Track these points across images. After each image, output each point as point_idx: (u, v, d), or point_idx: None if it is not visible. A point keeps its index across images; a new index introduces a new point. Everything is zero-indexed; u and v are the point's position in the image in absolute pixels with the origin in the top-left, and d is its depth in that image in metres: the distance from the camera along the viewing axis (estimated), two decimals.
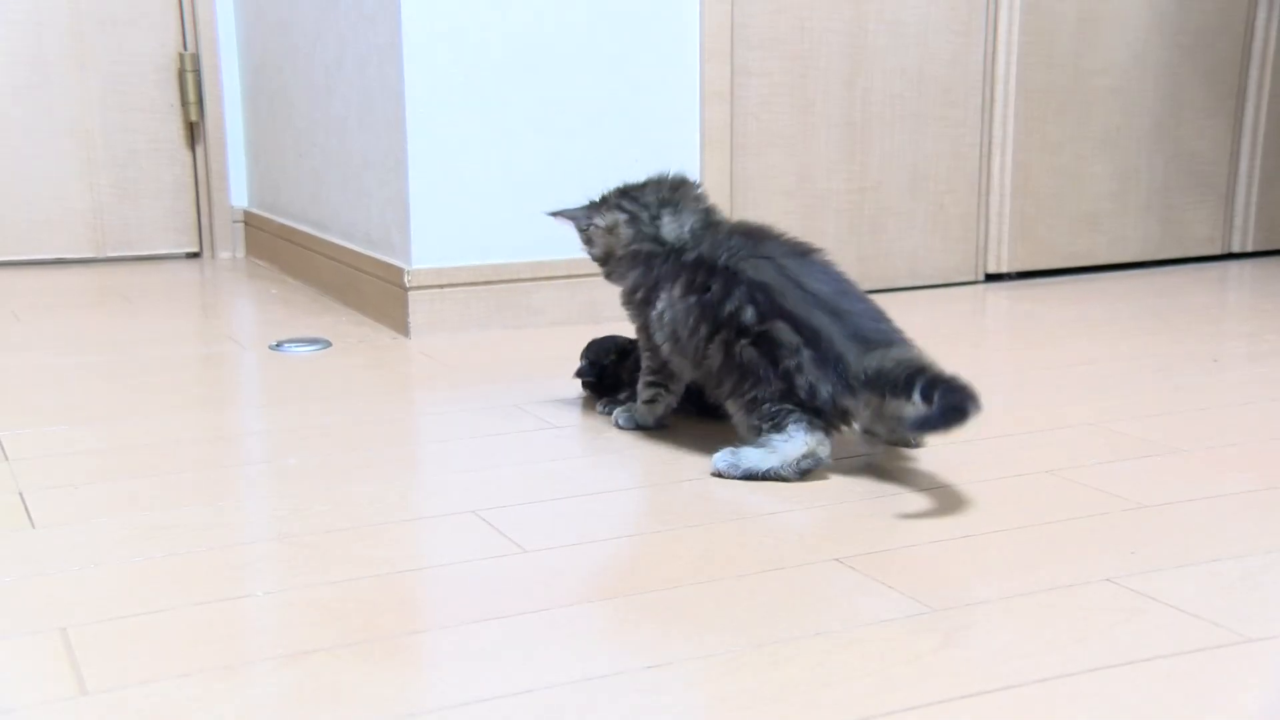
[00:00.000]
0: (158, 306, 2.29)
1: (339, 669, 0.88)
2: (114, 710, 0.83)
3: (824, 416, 1.29)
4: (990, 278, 2.47)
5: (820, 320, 1.29)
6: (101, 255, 2.79)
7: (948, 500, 1.23)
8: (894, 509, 1.21)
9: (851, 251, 2.33)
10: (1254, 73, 2.64)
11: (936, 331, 2.03)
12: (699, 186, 1.47)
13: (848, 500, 1.23)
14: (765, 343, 1.30)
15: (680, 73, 2.12)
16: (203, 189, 2.84)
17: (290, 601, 1.00)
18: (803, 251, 1.37)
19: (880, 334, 1.30)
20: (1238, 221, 2.69)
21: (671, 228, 1.42)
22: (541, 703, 0.84)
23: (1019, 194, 2.45)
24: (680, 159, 2.14)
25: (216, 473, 1.34)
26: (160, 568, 1.07)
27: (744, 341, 1.30)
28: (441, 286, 2.01)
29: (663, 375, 1.45)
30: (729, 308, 1.32)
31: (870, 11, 2.26)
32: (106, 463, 1.36)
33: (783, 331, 1.29)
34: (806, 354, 1.28)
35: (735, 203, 2.21)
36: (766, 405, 1.29)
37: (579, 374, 1.60)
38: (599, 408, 1.54)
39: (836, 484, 1.28)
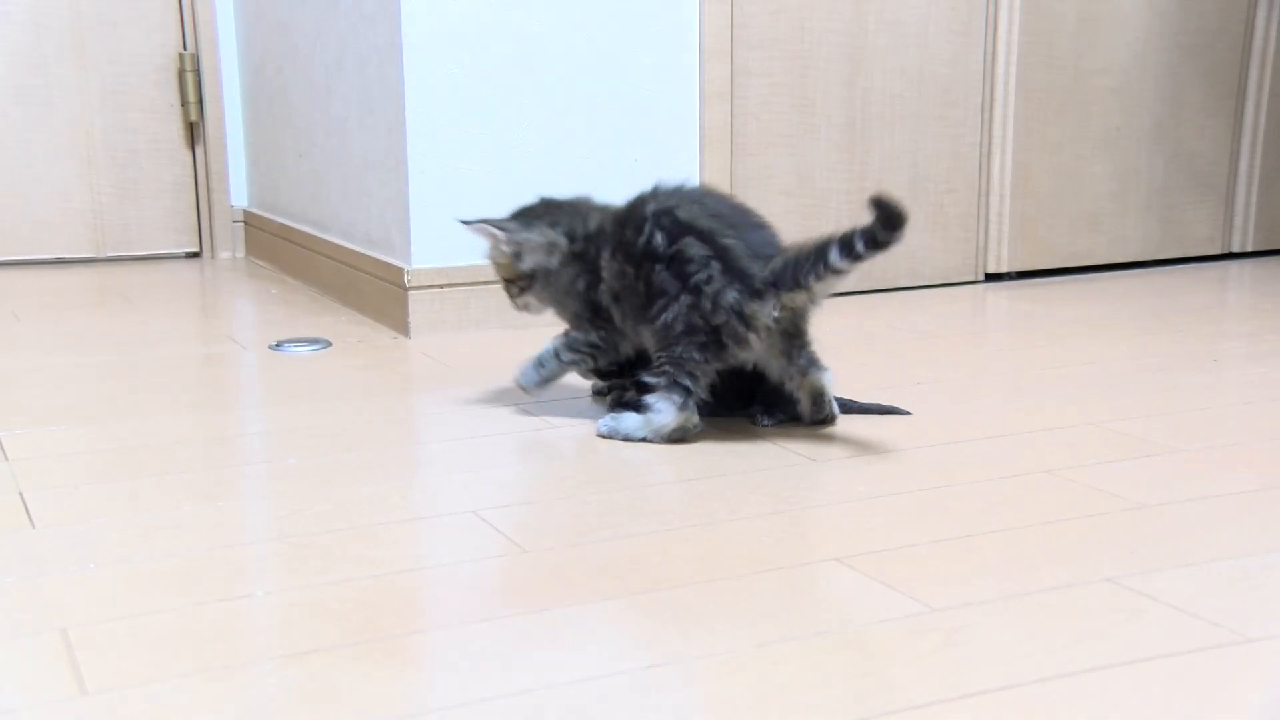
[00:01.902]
0: (158, 306, 2.29)
1: (339, 669, 0.89)
2: (114, 710, 0.83)
3: (721, 331, 1.37)
4: (990, 277, 2.47)
5: (726, 238, 1.39)
6: (101, 255, 2.79)
7: (947, 500, 1.23)
8: (894, 509, 1.21)
9: None
10: (1254, 72, 2.64)
11: (937, 331, 2.03)
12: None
13: (847, 500, 1.23)
14: (677, 263, 1.39)
15: (680, 73, 2.12)
16: (202, 189, 2.84)
17: (290, 602, 1.00)
18: (703, 188, 1.50)
19: (775, 249, 1.42)
20: (1238, 221, 2.69)
21: (594, 223, 1.51)
22: (541, 703, 0.84)
23: (1019, 194, 2.45)
24: (680, 159, 2.14)
25: (216, 473, 1.34)
26: (160, 568, 1.07)
27: (659, 267, 1.40)
28: (441, 286, 2.01)
29: (590, 335, 1.53)
30: (642, 242, 1.41)
31: (870, 11, 2.26)
32: (107, 463, 1.36)
33: (692, 246, 1.39)
34: (716, 266, 1.38)
35: None
36: (663, 355, 1.40)
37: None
38: (608, 405, 1.54)
39: (836, 484, 1.28)
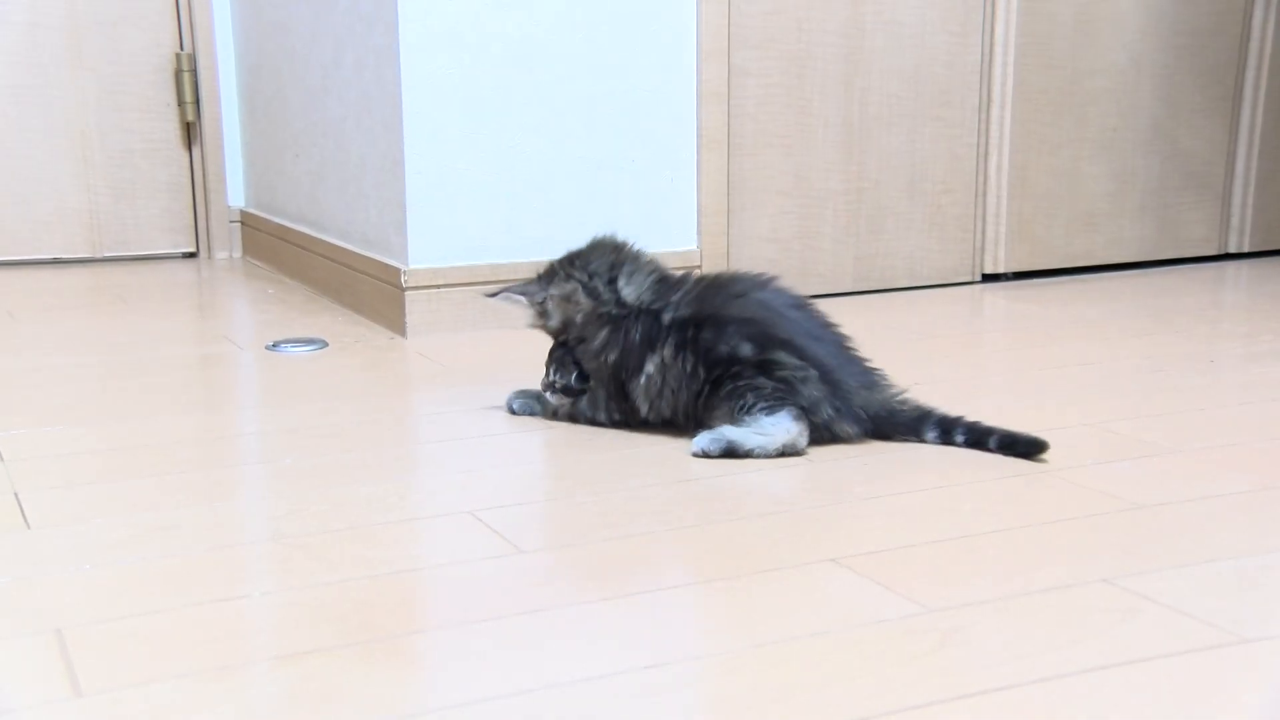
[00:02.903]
0: (154, 307, 2.29)
1: (336, 670, 0.88)
2: (109, 712, 0.83)
3: (813, 425, 1.37)
4: (987, 278, 2.47)
5: (814, 347, 1.39)
6: (98, 255, 2.79)
7: (944, 500, 1.23)
8: (891, 509, 1.21)
9: (849, 252, 2.33)
10: (1250, 74, 2.64)
11: (934, 332, 2.03)
12: (636, 248, 1.49)
13: (845, 500, 1.23)
14: (766, 366, 1.37)
15: (677, 73, 2.12)
16: (199, 189, 2.84)
17: (287, 602, 1.00)
18: (762, 283, 1.45)
19: (861, 367, 1.42)
20: (1234, 222, 2.70)
21: (629, 290, 1.45)
22: (539, 703, 0.84)
23: (1016, 194, 2.45)
24: (677, 159, 2.14)
25: (213, 473, 1.33)
26: (156, 568, 1.07)
27: (747, 371, 1.37)
28: (438, 287, 2.00)
29: (598, 415, 1.48)
30: (724, 349, 1.38)
31: (867, 12, 2.26)
32: (103, 463, 1.36)
33: (784, 359, 1.37)
34: (812, 374, 1.37)
35: (732, 203, 2.21)
36: (762, 394, 1.36)
37: (560, 389, 1.50)
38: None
39: (833, 484, 1.28)
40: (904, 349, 1.91)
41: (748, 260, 2.24)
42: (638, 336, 1.42)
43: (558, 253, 1.55)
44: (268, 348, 1.92)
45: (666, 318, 1.42)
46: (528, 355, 1.86)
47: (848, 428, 1.38)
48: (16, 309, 2.26)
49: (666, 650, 0.91)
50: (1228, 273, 2.57)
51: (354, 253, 2.19)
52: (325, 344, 1.94)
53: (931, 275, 2.42)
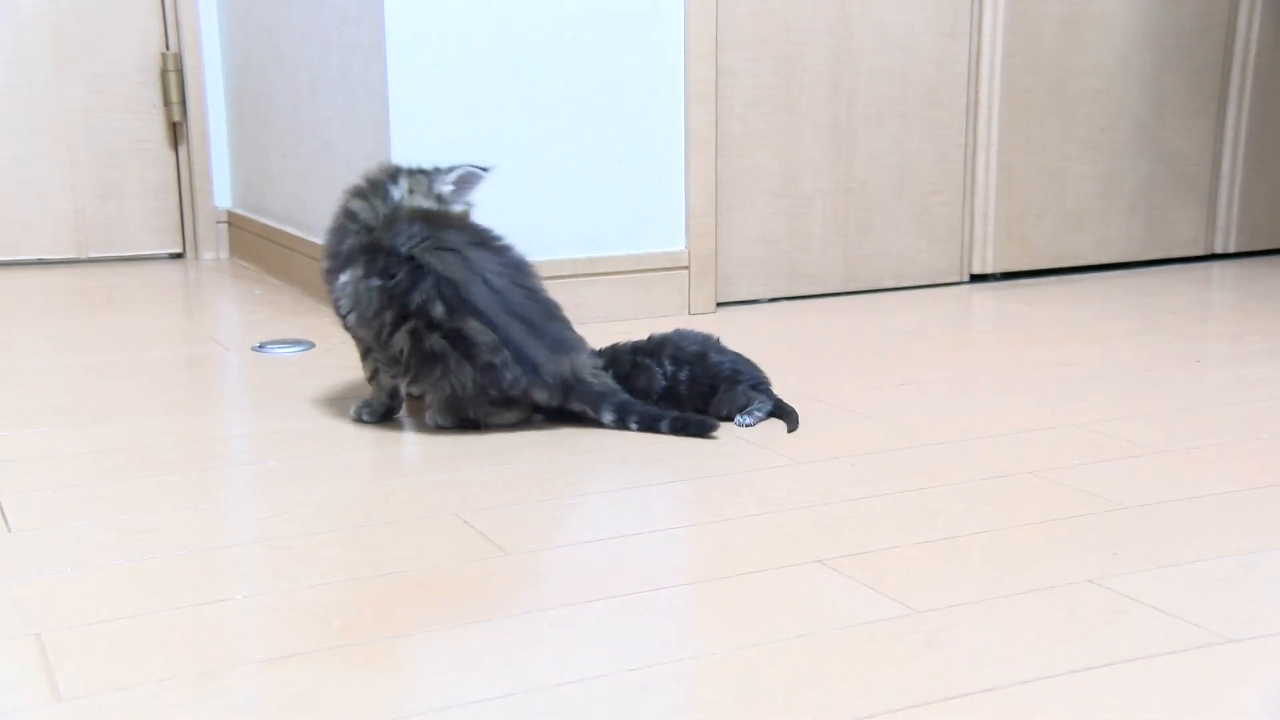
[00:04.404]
0: (140, 308, 2.28)
1: (320, 673, 0.88)
2: (89, 717, 0.82)
3: (516, 403, 1.45)
4: (975, 278, 2.48)
5: (509, 324, 1.41)
6: (84, 256, 2.77)
7: (931, 501, 1.23)
8: (877, 510, 1.21)
9: (837, 252, 2.33)
10: (1235, 75, 2.65)
11: (922, 333, 2.04)
12: (400, 176, 1.51)
13: (831, 502, 1.23)
14: (458, 339, 1.40)
15: (665, 74, 2.12)
16: (186, 189, 2.82)
17: (271, 605, 0.99)
18: (481, 240, 1.45)
19: (561, 336, 1.45)
20: (1220, 222, 2.70)
21: (361, 207, 1.49)
22: (523, 706, 0.83)
23: (1004, 195, 2.45)
24: (665, 159, 2.14)
25: (198, 475, 1.33)
26: (139, 571, 1.06)
27: (435, 335, 1.40)
28: None
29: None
30: (417, 299, 1.40)
31: (855, 13, 2.26)
32: (85, 465, 1.36)
33: (477, 331, 1.40)
34: (506, 354, 1.40)
35: (721, 204, 2.21)
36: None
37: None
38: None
39: (820, 485, 1.28)
40: (891, 350, 1.91)
41: (737, 261, 2.24)
42: (345, 249, 1.49)
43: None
44: (254, 349, 1.92)
45: (365, 240, 1.46)
46: None
47: (539, 393, 1.43)
48: (1, 310, 2.25)
49: (651, 652, 0.91)
50: (1214, 273, 2.58)
51: None
52: (312, 345, 1.94)
53: (920, 275, 2.42)
